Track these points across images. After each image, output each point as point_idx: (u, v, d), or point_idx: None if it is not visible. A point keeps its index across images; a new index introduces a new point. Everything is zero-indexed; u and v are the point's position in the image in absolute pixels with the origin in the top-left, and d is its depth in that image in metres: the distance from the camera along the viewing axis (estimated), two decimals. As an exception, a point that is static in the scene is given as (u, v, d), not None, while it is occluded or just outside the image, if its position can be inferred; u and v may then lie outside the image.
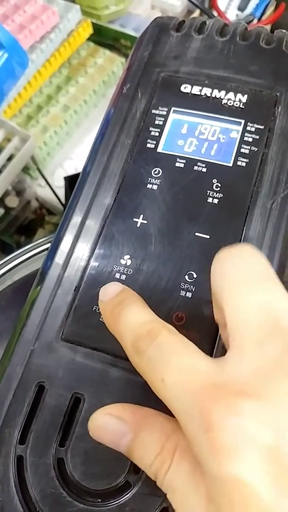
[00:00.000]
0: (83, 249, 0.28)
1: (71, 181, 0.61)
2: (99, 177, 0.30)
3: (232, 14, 0.68)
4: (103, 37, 0.72)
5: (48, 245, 0.48)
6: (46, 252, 0.47)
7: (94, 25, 0.69)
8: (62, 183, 0.63)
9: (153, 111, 0.31)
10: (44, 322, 0.27)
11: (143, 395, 0.25)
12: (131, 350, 0.22)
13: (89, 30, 0.68)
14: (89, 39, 0.70)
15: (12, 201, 0.63)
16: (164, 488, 0.20)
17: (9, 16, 0.62)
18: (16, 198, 0.64)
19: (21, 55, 0.48)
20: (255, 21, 0.66)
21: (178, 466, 0.20)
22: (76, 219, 0.29)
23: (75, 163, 0.68)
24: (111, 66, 0.70)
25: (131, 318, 0.23)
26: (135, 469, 0.24)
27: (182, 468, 0.20)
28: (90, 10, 0.70)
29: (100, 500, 0.24)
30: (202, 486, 0.19)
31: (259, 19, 0.66)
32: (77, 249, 0.28)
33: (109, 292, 0.24)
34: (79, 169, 0.64)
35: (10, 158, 0.60)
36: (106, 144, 0.31)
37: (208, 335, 0.26)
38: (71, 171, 0.67)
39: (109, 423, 0.22)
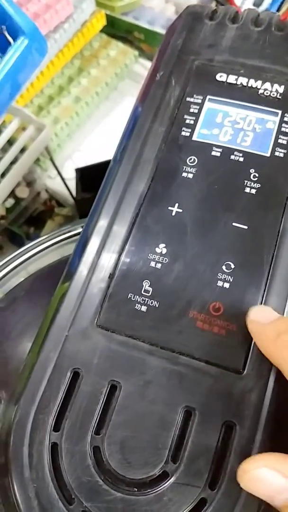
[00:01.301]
0: (116, 238, 0.28)
1: (83, 173, 0.60)
2: (133, 164, 0.29)
3: (247, 10, 0.67)
4: (116, 29, 0.71)
5: (63, 236, 0.48)
6: (62, 243, 0.47)
7: (108, 17, 0.69)
8: (71, 175, 0.63)
9: (188, 99, 0.30)
10: (78, 309, 0.26)
11: (182, 385, 0.25)
12: None
13: (103, 22, 0.68)
14: (102, 30, 0.70)
15: (23, 192, 0.63)
16: None
17: (24, 5, 0.62)
18: (26, 189, 0.63)
19: (40, 41, 0.47)
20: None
21: None
22: (109, 207, 0.29)
23: (85, 155, 0.68)
24: (123, 59, 0.69)
25: None
26: (173, 459, 0.24)
27: None
28: (104, 1, 0.69)
29: (136, 489, 0.24)
30: None
31: (274, 16, 0.66)
32: (110, 237, 0.28)
33: (266, 315, 0.24)
34: (88, 161, 0.63)
35: (22, 149, 0.59)
36: (138, 131, 0.30)
37: (246, 327, 0.25)
38: (80, 163, 0.66)
39: (266, 477, 0.20)
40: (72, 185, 0.63)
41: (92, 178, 0.56)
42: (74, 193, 0.63)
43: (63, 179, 0.63)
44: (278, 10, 0.65)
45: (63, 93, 0.67)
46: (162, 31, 0.68)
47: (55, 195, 0.66)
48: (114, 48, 0.70)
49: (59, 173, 0.62)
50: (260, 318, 0.25)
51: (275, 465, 0.20)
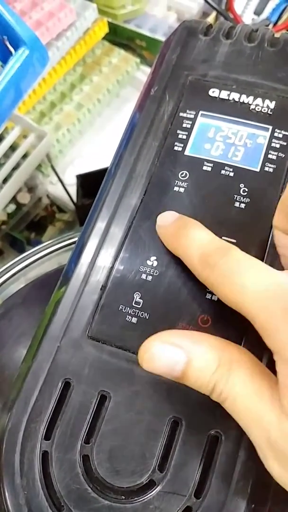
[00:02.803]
0: (109, 249, 0.29)
1: (83, 180, 0.61)
2: (126, 178, 0.30)
3: (248, 18, 0.68)
4: (118, 36, 0.72)
5: (64, 243, 0.48)
6: (62, 250, 0.48)
7: (110, 25, 0.70)
8: (72, 181, 0.64)
9: (181, 114, 0.31)
10: (70, 320, 0.27)
11: (169, 396, 0.25)
12: (198, 264, 0.24)
13: (105, 29, 0.69)
14: (104, 38, 0.70)
15: (24, 197, 0.64)
16: (223, 398, 0.22)
17: (27, 13, 0.63)
18: (27, 195, 0.64)
19: (41, 52, 0.48)
20: (270, 26, 0.66)
21: (237, 374, 0.21)
22: (103, 219, 0.29)
23: (86, 162, 0.68)
24: (125, 66, 0.70)
25: (198, 236, 0.25)
26: (160, 468, 0.24)
27: (241, 375, 0.21)
28: (107, 9, 0.70)
29: (124, 497, 0.24)
30: (263, 388, 0.21)
31: (275, 24, 0.66)
32: (103, 249, 0.29)
33: (169, 218, 0.27)
34: (90, 168, 0.64)
35: (24, 155, 0.60)
36: (133, 145, 0.31)
37: (233, 338, 0.26)
38: (82, 170, 0.67)
39: (164, 351, 0.22)
40: (73, 191, 0.63)
41: (92, 184, 0.57)
42: (74, 199, 0.64)
43: (64, 185, 0.63)
44: (278, 19, 0.65)
45: (65, 100, 0.68)
46: (164, 39, 0.68)
47: (56, 200, 0.67)
48: (116, 55, 0.71)
49: (60, 179, 0.63)
50: (164, 221, 0.28)
51: (167, 339, 0.23)
